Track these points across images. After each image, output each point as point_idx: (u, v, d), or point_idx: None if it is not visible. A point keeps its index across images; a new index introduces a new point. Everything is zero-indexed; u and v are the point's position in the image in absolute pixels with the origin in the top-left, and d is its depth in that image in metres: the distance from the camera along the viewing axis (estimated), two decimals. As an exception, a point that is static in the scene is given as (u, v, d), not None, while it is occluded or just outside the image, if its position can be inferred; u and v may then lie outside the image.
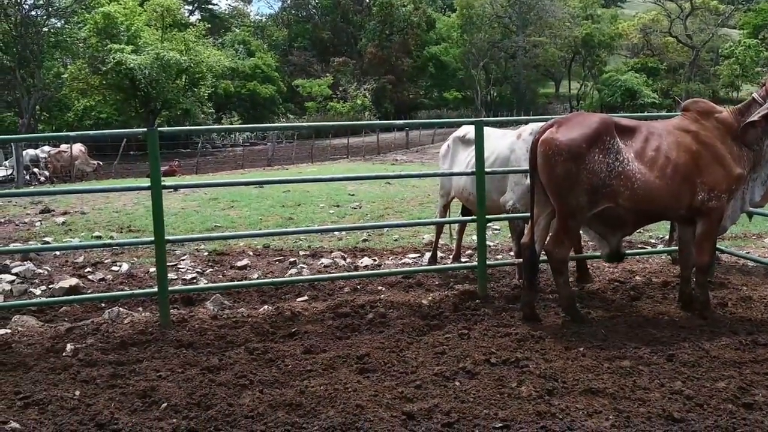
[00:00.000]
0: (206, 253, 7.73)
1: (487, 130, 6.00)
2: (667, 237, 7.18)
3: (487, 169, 5.28)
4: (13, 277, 6.73)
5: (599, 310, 4.87)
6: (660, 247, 7.28)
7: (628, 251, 6.85)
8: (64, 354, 4.12)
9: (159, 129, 4.51)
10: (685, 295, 4.82)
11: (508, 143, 5.69)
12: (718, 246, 6.12)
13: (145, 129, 4.44)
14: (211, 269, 7.04)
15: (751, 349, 3.98)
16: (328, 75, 55.76)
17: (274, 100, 53.88)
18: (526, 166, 5.45)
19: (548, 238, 4.62)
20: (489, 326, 4.45)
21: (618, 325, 4.46)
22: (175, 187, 5.97)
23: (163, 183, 4.62)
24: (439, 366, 3.77)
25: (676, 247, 6.72)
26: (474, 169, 5.28)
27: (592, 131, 4.29)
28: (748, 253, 7.01)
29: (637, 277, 5.97)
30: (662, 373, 3.63)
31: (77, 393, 3.49)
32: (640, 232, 8.30)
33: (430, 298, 5.26)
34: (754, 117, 4.40)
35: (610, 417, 3.13)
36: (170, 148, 29.90)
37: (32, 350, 4.20)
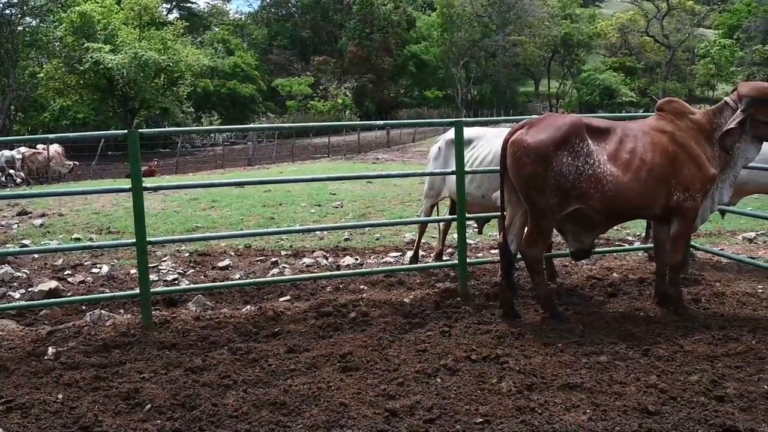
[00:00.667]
0: (187, 254, 7.71)
1: (482, 130, 6.14)
2: (644, 234, 7.34)
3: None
4: (-9, 281, 6.68)
5: (577, 307, 4.97)
6: (636, 245, 7.42)
7: (605, 249, 7.02)
8: (45, 357, 4.10)
9: (139, 131, 4.50)
10: (660, 292, 4.92)
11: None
12: (692, 243, 6.28)
13: (126, 131, 4.44)
14: (192, 270, 7.02)
15: (723, 344, 4.10)
16: (308, 74, 55.70)
17: (255, 99, 53.62)
18: None
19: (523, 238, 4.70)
20: (470, 323, 4.53)
21: (595, 321, 4.56)
22: (156, 189, 5.95)
23: (144, 185, 4.62)
24: (421, 363, 3.83)
25: (652, 245, 6.91)
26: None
27: (561, 134, 4.33)
28: (722, 249, 7.19)
29: (614, 274, 6.09)
30: (638, 368, 3.73)
31: (60, 396, 3.49)
32: (617, 229, 8.46)
33: (411, 296, 5.32)
34: (731, 124, 4.48)
35: (588, 411, 3.22)
36: (149, 148, 29.62)
37: (13, 354, 4.17)
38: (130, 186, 4.55)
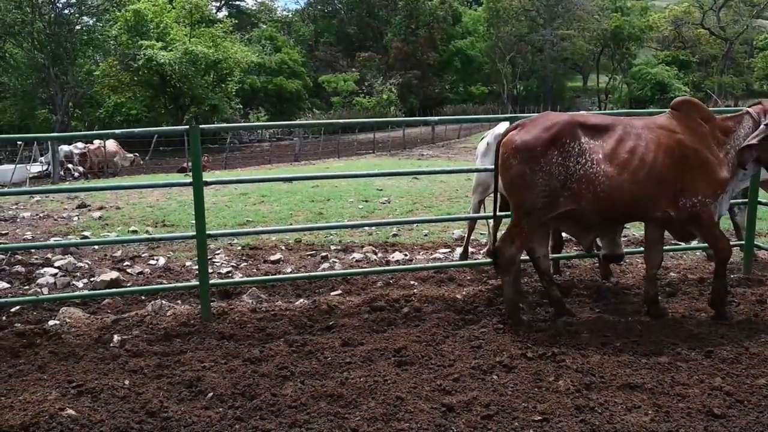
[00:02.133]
0: (239, 248, 7.86)
1: None
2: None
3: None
4: (56, 270, 6.96)
5: (634, 306, 4.87)
6: (694, 244, 7.20)
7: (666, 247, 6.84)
8: (111, 345, 4.27)
9: (201, 126, 4.62)
10: (649, 296, 4.67)
11: None
12: (757, 242, 6.07)
13: (187, 126, 4.56)
14: (245, 263, 7.17)
15: (792, 347, 3.96)
16: (353, 70, 55.90)
17: (300, 95, 54.15)
18: None
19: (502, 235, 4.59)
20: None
21: (654, 321, 4.46)
22: (217, 183, 6.10)
23: (204, 179, 4.74)
24: (476, 360, 3.83)
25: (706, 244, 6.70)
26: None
27: (551, 134, 4.18)
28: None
29: (672, 273, 5.94)
30: (701, 369, 3.64)
31: (127, 382, 3.62)
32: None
33: (464, 292, 5.31)
34: (752, 140, 4.25)
35: (650, 412, 3.16)
36: (201, 143, 30.29)
37: (81, 341, 4.36)
38: (191, 180, 4.67)
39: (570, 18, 59.37)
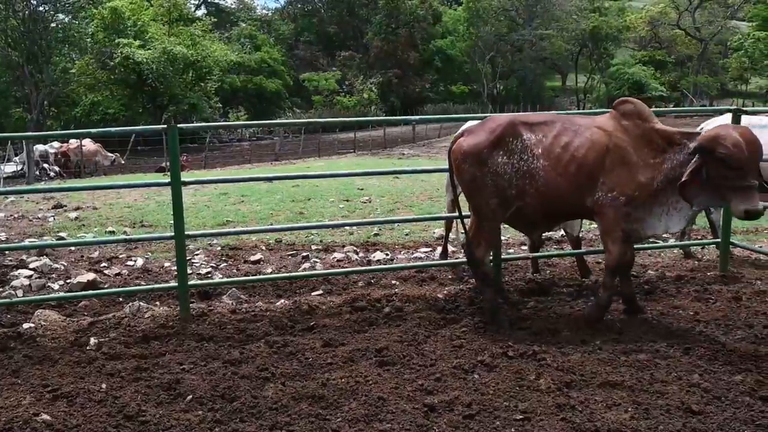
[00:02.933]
0: (219, 248, 7.79)
1: None
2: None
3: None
4: (31, 272, 6.82)
5: (612, 304, 4.90)
6: (671, 242, 7.29)
7: (637, 246, 6.91)
8: (88, 348, 4.19)
9: (179, 126, 4.56)
10: (624, 297, 4.69)
11: None
12: (732, 240, 6.15)
13: (164, 125, 4.50)
14: (225, 264, 7.10)
15: (767, 343, 4.01)
16: (334, 69, 55.74)
17: (281, 94, 53.87)
18: None
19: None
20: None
21: (633, 319, 4.50)
22: (195, 183, 6.05)
23: (183, 179, 4.67)
24: (458, 359, 3.82)
25: (689, 241, 6.79)
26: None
27: (494, 135, 4.32)
28: (761, 246, 7.03)
29: (650, 272, 6.00)
30: (679, 367, 3.68)
31: (104, 386, 3.56)
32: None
33: (445, 292, 5.31)
34: (685, 177, 3.95)
35: (629, 409, 3.18)
36: (179, 142, 29.91)
37: (57, 344, 4.27)
38: (170, 180, 4.60)
39: (549, 18, 59.84)
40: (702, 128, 5.36)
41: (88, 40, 37.77)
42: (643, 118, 4.31)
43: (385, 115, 51.51)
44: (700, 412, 3.14)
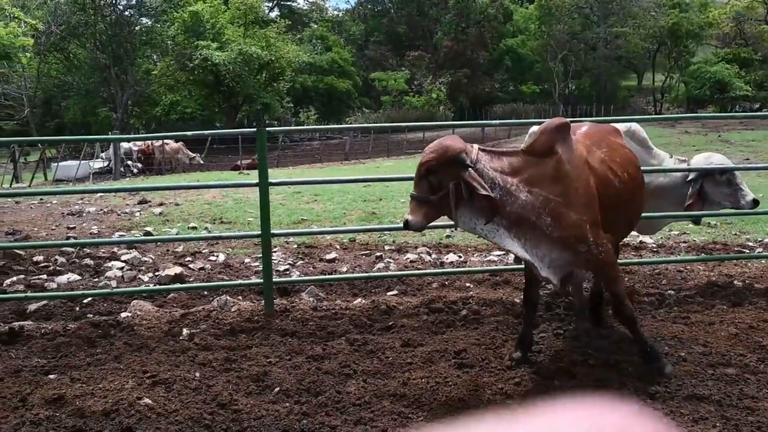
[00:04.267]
0: (295, 246, 8.03)
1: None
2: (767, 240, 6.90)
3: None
4: (123, 264, 7.28)
5: (698, 315, 4.77)
6: (759, 251, 6.98)
7: (722, 255, 6.66)
8: (181, 338, 4.46)
9: (267, 129, 4.76)
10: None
11: None
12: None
13: (256, 129, 4.71)
14: (301, 261, 7.32)
15: None
16: (403, 69, 55.98)
17: (350, 94, 54.59)
18: None
19: None
20: (585, 327, 4.45)
21: (720, 331, 4.36)
22: (281, 184, 6.32)
23: (269, 181, 4.88)
24: (537, 364, 3.83)
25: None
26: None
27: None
28: None
29: (737, 282, 5.77)
30: (771, 382, 3.55)
31: (197, 374, 3.78)
32: (735, 234, 8.01)
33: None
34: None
35: (717, 424, 3.11)
36: (251, 141, 30.80)
37: (152, 333, 4.56)
38: (257, 181, 4.82)
39: (625, 15, 57.87)
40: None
41: (170, 42, 39.54)
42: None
43: (454, 115, 51.32)
44: (795, 431, 3.04)
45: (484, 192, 3.29)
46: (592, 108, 50.81)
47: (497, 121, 6.79)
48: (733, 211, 5.18)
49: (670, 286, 5.61)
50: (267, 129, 4.80)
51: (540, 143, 3.55)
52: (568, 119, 3.84)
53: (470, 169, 3.36)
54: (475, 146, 3.55)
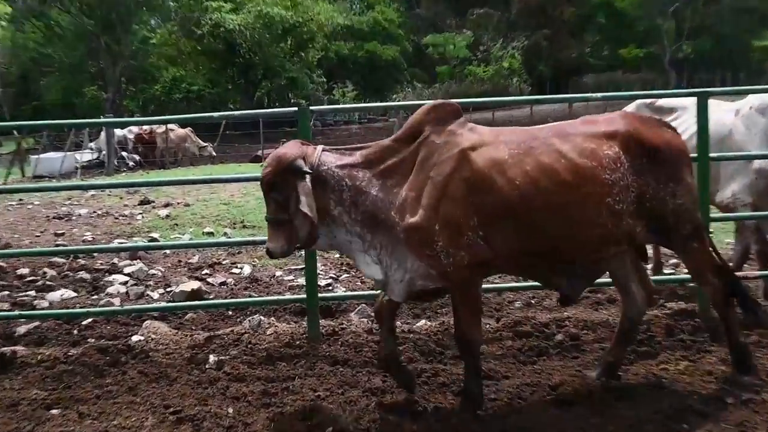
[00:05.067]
0: (337, 256, 8.18)
1: (685, 99, 5.98)
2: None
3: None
4: (126, 278, 7.57)
5: None
6: None
7: None
8: (207, 366, 4.64)
9: (312, 108, 4.92)
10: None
11: (722, 119, 5.63)
12: None
13: (296, 107, 4.87)
14: (345, 275, 7.47)
15: None
16: (465, 31, 55.90)
17: (397, 64, 54.76)
18: (747, 149, 5.47)
19: None
20: (718, 357, 4.44)
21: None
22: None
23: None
24: (658, 402, 3.84)
25: None
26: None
27: None
28: None
29: None
30: None
31: (230, 411, 3.94)
32: None
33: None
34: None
35: None
36: (274, 126, 31.25)
37: (172, 360, 4.76)
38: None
39: (759, -47, 56.54)
40: None
41: (172, 4, 40.52)
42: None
43: (531, 89, 50.95)
44: None
45: (304, 210, 3.58)
46: (715, 76, 49.66)
47: (594, 94, 6.76)
48: None
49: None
50: (311, 108, 4.95)
51: (407, 125, 3.87)
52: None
53: (307, 176, 3.66)
54: (318, 148, 3.85)
